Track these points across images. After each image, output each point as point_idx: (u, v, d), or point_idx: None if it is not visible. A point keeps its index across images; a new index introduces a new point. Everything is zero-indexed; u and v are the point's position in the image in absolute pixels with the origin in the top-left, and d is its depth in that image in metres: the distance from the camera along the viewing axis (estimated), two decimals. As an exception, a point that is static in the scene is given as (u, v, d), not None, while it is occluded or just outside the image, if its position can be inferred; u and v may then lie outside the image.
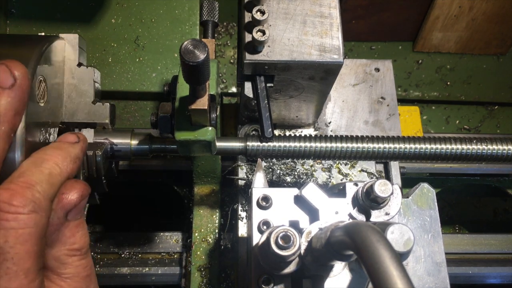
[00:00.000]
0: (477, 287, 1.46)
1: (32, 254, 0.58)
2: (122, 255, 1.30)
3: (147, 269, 1.27)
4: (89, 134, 0.86)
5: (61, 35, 0.85)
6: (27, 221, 0.57)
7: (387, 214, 0.77)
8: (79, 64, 0.86)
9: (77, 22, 1.44)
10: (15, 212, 0.56)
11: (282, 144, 0.93)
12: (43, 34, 0.86)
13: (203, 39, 0.99)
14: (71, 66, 0.86)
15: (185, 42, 0.61)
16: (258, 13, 0.84)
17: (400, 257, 0.56)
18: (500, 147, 0.94)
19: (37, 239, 0.59)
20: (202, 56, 0.61)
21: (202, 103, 0.72)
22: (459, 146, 0.93)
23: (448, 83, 2.00)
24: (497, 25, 1.91)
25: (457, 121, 1.98)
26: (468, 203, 1.99)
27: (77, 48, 0.86)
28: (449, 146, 0.93)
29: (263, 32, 0.84)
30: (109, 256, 1.30)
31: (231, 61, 2.01)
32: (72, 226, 0.67)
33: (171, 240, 1.32)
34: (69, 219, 0.66)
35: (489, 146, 0.93)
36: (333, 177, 1.16)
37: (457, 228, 1.95)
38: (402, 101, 1.96)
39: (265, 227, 0.79)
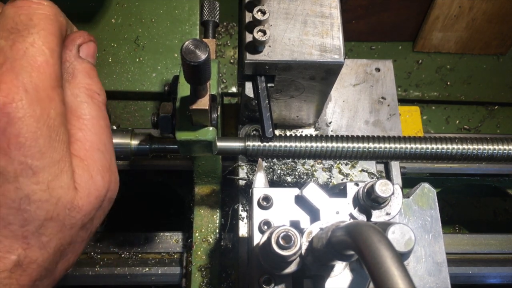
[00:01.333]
0: (477, 287, 1.46)
1: (56, 38, 0.57)
2: (122, 255, 1.30)
3: (147, 269, 1.27)
4: None
5: None
6: (49, 9, 0.58)
7: (388, 214, 0.77)
8: None
9: (77, 22, 1.43)
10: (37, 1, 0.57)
11: (282, 144, 0.93)
12: None
13: (204, 39, 0.99)
14: None
15: (186, 42, 0.61)
16: (259, 13, 0.84)
17: (401, 257, 0.56)
18: (500, 147, 0.94)
19: (58, 32, 0.58)
20: (203, 56, 0.61)
21: (203, 103, 0.72)
22: (459, 146, 0.93)
23: (448, 83, 2.00)
24: (497, 25, 1.91)
25: (457, 121, 1.98)
26: (468, 203, 1.99)
27: None
28: (450, 146, 0.93)
29: (264, 32, 0.84)
30: (109, 256, 1.30)
31: (231, 61, 2.01)
32: (87, 67, 0.66)
33: (171, 240, 1.32)
34: (82, 56, 0.66)
35: (489, 146, 0.93)
36: (333, 177, 1.16)
37: (457, 228, 1.95)
38: (402, 101, 1.96)
39: (266, 227, 0.79)
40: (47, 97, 0.54)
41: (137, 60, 1.43)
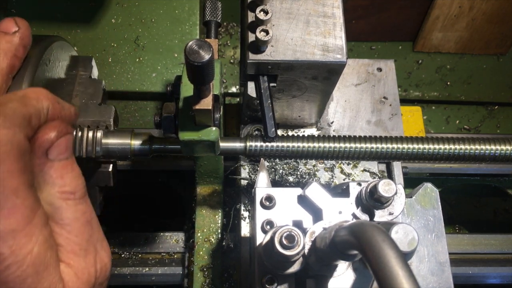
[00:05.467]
0: (477, 287, 1.46)
1: (16, 173, 0.54)
2: (122, 255, 1.30)
3: (147, 269, 1.27)
4: None
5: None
6: (6, 137, 0.54)
7: (390, 214, 0.77)
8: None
9: (77, 22, 1.44)
10: None
11: (285, 144, 0.93)
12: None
13: (206, 39, 0.99)
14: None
15: (190, 42, 0.61)
16: (262, 13, 0.84)
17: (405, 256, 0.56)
18: (500, 147, 0.94)
19: (16, 157, 0.54)
20: (207, 56, 0.61)
21: (207, 103, 0.72)
22: (461, 146, 0.93)
23: (448, 83, 2.01)
24: (497, 25, 1.91)
25: (457, 121, 1.98)
26: (468, 203, 2.00)
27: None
28: (451, 146, 0.93)
29: (267, 32, 0.84)
30: (110, 256, 1.30)
31: (231, 61, 2.00)
32: (58, 167, 0.63)
33: (171, 240, 1.32)
34: (51, 159, 0.62)
35: (489, 146, 0.93)
36: (335, 177, 1.16)
37: (457, 228, 1.95)
38: (402, 101, 1.93)
39: (268, 227, 0.79)
40: (25, 237, 0.54)
41: (137, 60, 1.43)
